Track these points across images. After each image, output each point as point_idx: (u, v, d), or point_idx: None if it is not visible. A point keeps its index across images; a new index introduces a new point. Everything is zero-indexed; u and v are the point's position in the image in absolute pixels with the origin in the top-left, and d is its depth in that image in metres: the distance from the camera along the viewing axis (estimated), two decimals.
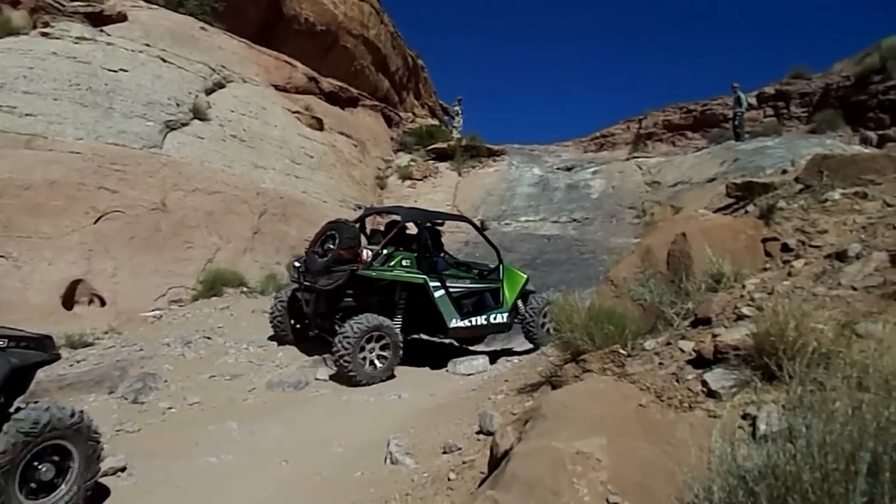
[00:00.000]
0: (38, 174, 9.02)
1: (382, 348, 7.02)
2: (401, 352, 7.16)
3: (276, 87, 16.05)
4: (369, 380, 6.79)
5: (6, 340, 3.71)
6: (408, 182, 18.12)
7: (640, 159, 18.66)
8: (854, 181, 5.33)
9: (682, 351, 2.99)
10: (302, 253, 11.46)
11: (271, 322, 8.15)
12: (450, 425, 4.69)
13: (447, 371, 7.55)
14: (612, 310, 4.22)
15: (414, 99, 25.80)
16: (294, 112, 15.57)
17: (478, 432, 4.12)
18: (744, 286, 3.89)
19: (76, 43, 11.10)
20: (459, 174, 18.88)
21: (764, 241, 4.78)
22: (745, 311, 3.34)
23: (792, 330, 2.22)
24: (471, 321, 7.90)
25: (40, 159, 9.17)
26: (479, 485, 2.76)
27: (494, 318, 8.14)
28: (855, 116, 17.19)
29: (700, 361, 2.67)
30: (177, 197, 10.65)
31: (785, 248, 4.57)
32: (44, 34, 10.95)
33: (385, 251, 7.53)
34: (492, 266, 8.63)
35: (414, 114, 24.87)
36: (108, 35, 11.84)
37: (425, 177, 18.45)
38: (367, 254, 7.36)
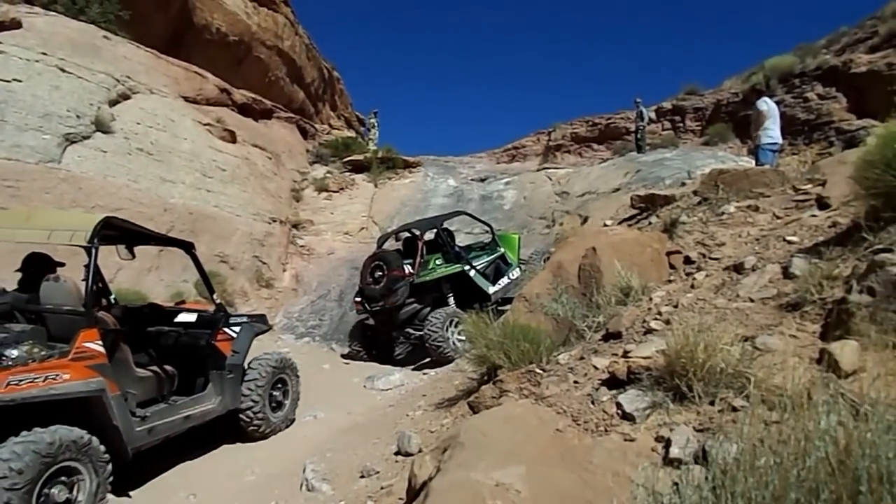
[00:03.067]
0: None
1: (461, 333, 8.06)
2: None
3: (186, 99, 15.26)
4: (460, 355, 7.75)
5: (246, 317, 5.90)
6: (324, 194, 17.72)
7: (549, 170, 19.11)
8: (747, 194, 5.68)
9: (596, 368, 3.03)
10: (211, 268, 11.46)
11: (350, 347, 9.74)
12: (367, 446, 4.57)
13: (364, 387, 7.42)
14: (527, 326, 4.25)
15: (330, 110, 25.36)
16: (205, 124, 14.85)
17: (396, 453, 4.03)
18: (651, 299, 4.02)
19: None
20: (376, 185, 18.66)
21: (668, 253, 4.98)
22: (653, 325, 3.44)
23: (701, 351, 2.28)
24: (499, 283, 9.75)
25: None
26: None
27: (512, 275, 9.92)
28: (743, 129, 18.38)
29: (614, 382, 2.70)
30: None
31: (687, 260, 4.79)
32: None
33: (421, 260, 9.24)
34: (486, 240, 10.70)
35: (330, 125, 24.42)
36: (0, 42, 10.87)
37: (341, 188, 18.11)
38: (407, 269, 8.98)
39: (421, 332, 8.53)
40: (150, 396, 4.63)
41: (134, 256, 5.43)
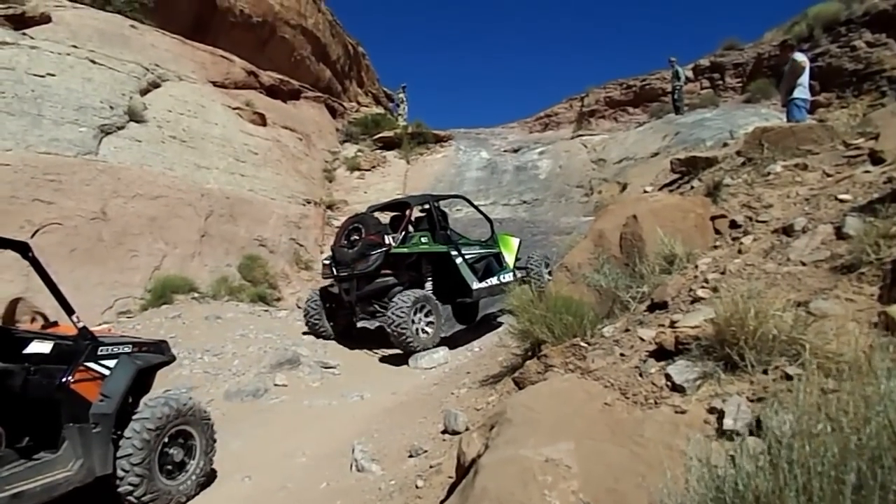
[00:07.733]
0: None
1: (428, 323, 7.80)
2: (443, 320, 8.07)
3: (215, 84, 15.54)
4: (423, 345, 7.56)
5: (130, 346, 4.27)
6: (356, 173, 17.87)
7: (584, 137, 18.85)
8: (794, 152, 5.45)
9: (643, 340, 2.98)
10: (252, 252, 11.54)
11: (306, 320, 8.67)
12: (414, 425, 4.62)
13: (408, 366, 7.50)
14: (570, 298, 4.21)
15: (357, 87, 25.38)
16: (235, 108, 15.12)
17: (443, 431, 4.06)
18: (696, 266, 3.92)
19: None
20: (408, 162, 18.71)
21: (713, 218, 4.83)
22: (700, 293, 3.36)
23: (752, 319, 2.21)
24: (487, 282, 8.80)
25: None
26: (448, 493, 2.70)
27: (503, 278, 8.95)
28: None
29: (662, 353, 2.65)
30: (117, 204, 10.21)
31: (733, 224, 4.64)
32: None
33: (404, 234, 8.43)
34: (484, 238, 9.63)
35: (358, 102, 24.48)
36: (32, 38, 11.15)
37: (373, 167, 18.22)
38: (388, 239, 8.06)
39: (386, 313, 7.64)
40: None
41: None
